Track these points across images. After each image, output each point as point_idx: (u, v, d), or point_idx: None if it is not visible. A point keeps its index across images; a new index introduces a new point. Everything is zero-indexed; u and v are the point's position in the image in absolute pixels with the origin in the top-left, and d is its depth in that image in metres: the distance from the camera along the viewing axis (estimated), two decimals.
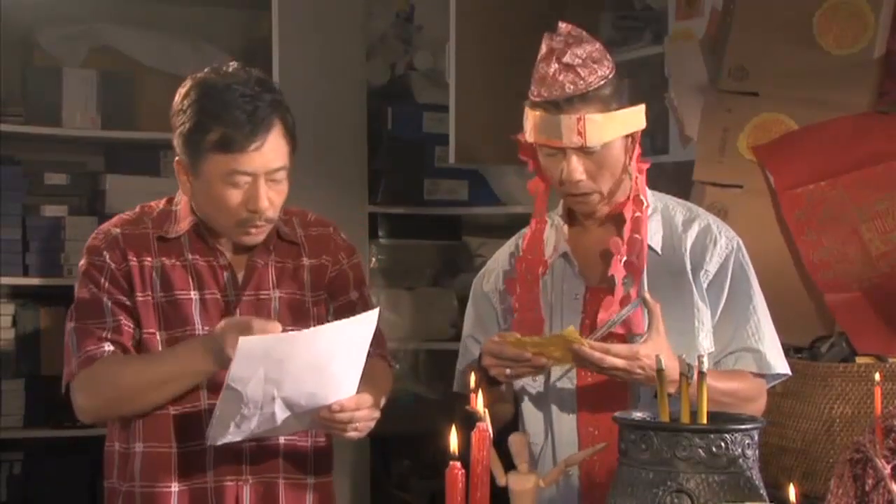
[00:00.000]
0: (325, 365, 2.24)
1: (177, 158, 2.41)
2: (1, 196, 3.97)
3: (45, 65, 4.20)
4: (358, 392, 2.30)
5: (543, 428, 2.38)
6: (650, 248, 2.36)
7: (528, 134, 2.32)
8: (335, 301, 2.51)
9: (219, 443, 2.31)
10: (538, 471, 2.18)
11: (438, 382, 4.26)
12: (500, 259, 2.52)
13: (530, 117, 2.30)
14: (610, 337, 2.26)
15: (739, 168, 3.19)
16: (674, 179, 3.34)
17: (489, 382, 2.27)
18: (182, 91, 2.40)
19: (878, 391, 2.02)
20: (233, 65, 2.43)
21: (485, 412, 1.81)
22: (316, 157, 3.82)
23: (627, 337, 2.28)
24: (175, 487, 2.38)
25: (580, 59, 2.25)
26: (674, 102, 3.48)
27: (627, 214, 2.35)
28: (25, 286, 4.06)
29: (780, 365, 2.37)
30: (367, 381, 2.34)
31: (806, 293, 3.10)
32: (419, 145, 4.38)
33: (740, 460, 1.82)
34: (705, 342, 2.32)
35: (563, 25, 2.30)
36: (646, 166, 2.39)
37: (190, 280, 2.42)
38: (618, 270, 2.31)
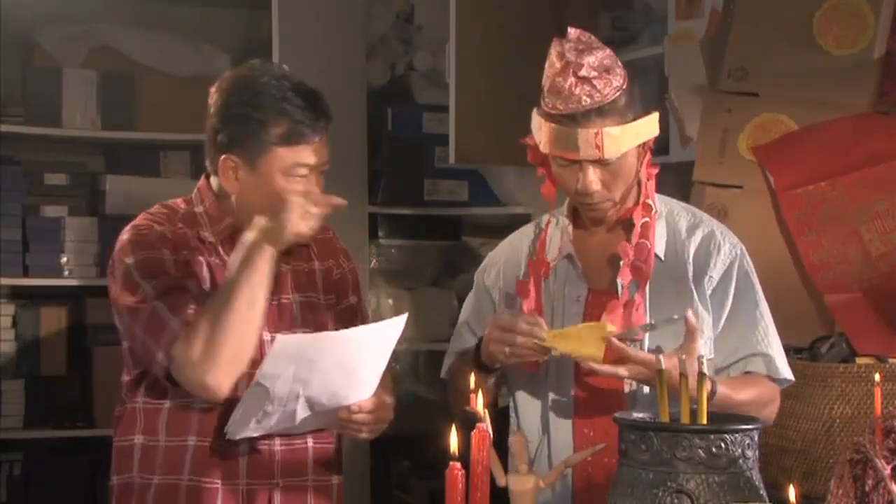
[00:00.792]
0: (352, 366, 2.26)
1: (225, 156, 2.36)
2: (1, 196, 3.97)
3: (45, 65, 4.20)
4: (374, 394, 2.32)
5: (539, 426, 2.37)
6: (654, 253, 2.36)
7: (543, 145, 2.30)
8: (338, 305, 2.52)
9: (237, 437, 2.31)
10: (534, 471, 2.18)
11: (438, 383, 4.24)
12: (500, 253, 2.52)
13: (544, 128, 2.29)
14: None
15: (739, 168, 3.19)
16: (674, 180, 3.34)
17: (479, 369, 2.28)
18: (224, 89, 2.38)
19: (878, 392, 2.02)
20: (255, 62, 2.43)
21: (485, 412, 1.81)
22: None
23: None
24: (218, 484, 2.35)
25: (595, 70, 2.23)
26: (674, 103, 3.48)
27: (636, 220, 2.35)
28: (25, 286, 4.06)
29: (787, 371, 2.38)
30: (381, 383, 2.36)
31: (806, 293, 3.10)
32: (419, 145, 4.38)
33: (740, 461, 1.82)
34: (703, 350, 2.31)
35: (572, 31, 2.28)
36: (655, 171, 2.39)
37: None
38: (625, 275, 2.32)
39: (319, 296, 2.48)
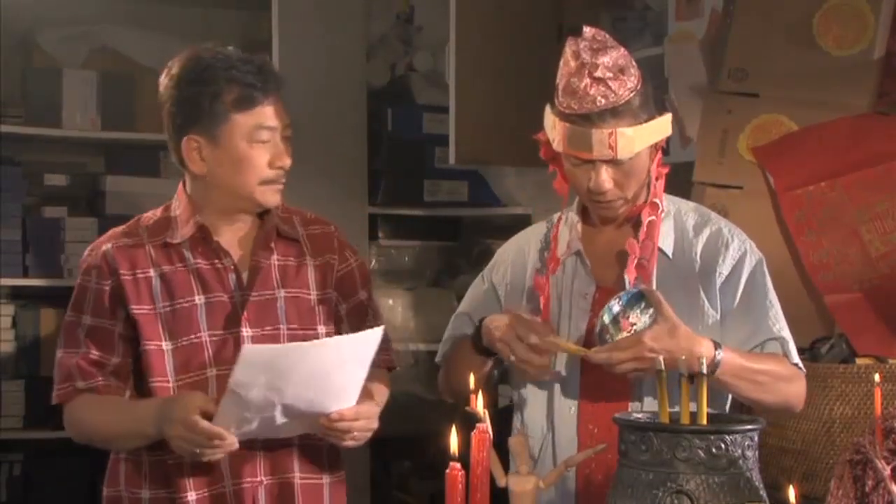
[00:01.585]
0: (326, 376, 2.25)
1: (186, 138, 2.40)
2: (1, 197, 3.97)
3: (45, 65, 4.20)
4: (358, 402, 2.31)
5: (543, 424, 2.38)
6: (661, 251, 2.37)
7: (556, 144, 2.31)
8: (346, 301, 2.51)
9: None
10: (537, 470, 2.18)
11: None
12: (508, 251, 2.53)
13: (558, 127, 2.30)
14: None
15: (739, 169, 3.19)
16: (674, 180, 3.33)
17: (479, 351, 2.33)
18: (173, 74, 2.45)
19: (877, 392, 2.02)
20: (196, 46, 2.48)
21: (484, 413, 1.81)
22: (316, 158, 3.83)
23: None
24: (192, 496, 2.36)
25: (610, 71, 2.25)
26: (674, 103, 3.48)
27: (644, 218, 2.37)
28: (25, 287, 4.06)
29: (798, 360, 2.38)
30: (367, 391, 2.35)
31: (806, 294, 3.10)
32: (419, 146, 4.38)
33: (740, 461, 1.82)
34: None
35: (587, 29, 2.29)
36: (665, 171, 2.40)
37: (194, 285, 2.40)
38: (631, 272, 2.33)
39: (310, 291, 2.47)
